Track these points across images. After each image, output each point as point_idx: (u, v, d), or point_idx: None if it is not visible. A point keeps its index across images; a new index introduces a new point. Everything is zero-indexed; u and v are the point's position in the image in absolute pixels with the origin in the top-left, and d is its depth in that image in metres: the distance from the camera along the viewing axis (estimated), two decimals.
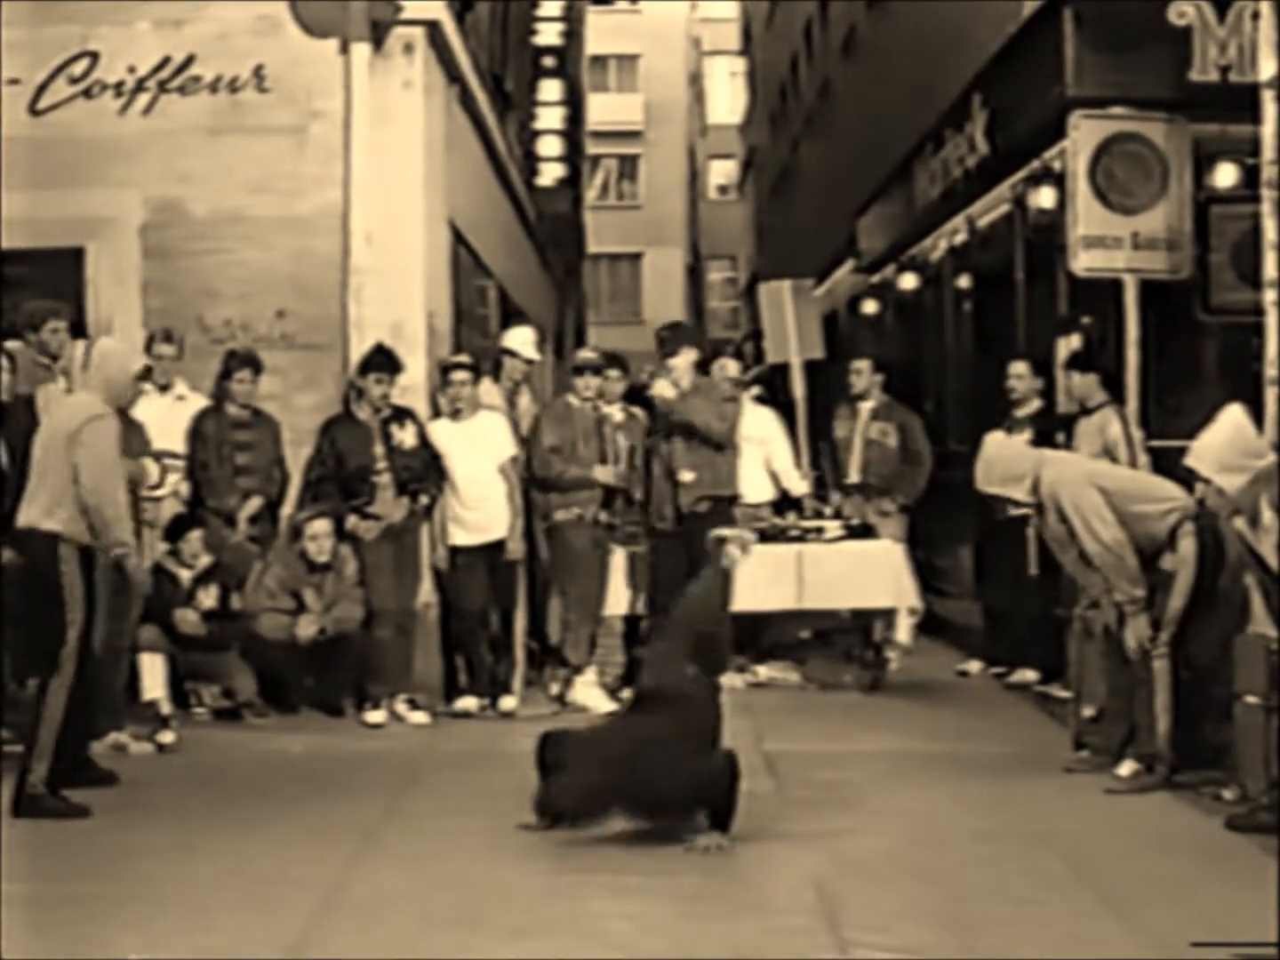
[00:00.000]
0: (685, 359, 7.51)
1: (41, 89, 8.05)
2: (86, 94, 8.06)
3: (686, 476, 7.47)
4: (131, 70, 8.09)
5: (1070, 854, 4.85)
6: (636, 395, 8.22)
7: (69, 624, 5.40)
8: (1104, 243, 7.71)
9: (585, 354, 8.37)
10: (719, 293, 39.15)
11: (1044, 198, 8.42)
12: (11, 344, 6.75)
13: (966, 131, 10.38)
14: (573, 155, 19.59)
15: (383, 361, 7.29)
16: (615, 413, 8.05)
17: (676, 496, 7.56)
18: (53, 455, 5.50)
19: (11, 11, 7.92)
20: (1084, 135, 7.74)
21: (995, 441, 6.11)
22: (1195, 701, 5.65)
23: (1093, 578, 5.69)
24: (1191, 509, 5.58)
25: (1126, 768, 5.67)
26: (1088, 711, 6.06)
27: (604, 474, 7.55)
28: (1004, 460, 5.91)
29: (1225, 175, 7.82)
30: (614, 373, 8.14)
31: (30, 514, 5.50)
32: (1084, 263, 7.76)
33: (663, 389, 7.43)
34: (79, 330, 7.53)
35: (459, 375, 7.46)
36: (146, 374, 5.90)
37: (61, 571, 5.40)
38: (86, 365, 5.89)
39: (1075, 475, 5.70)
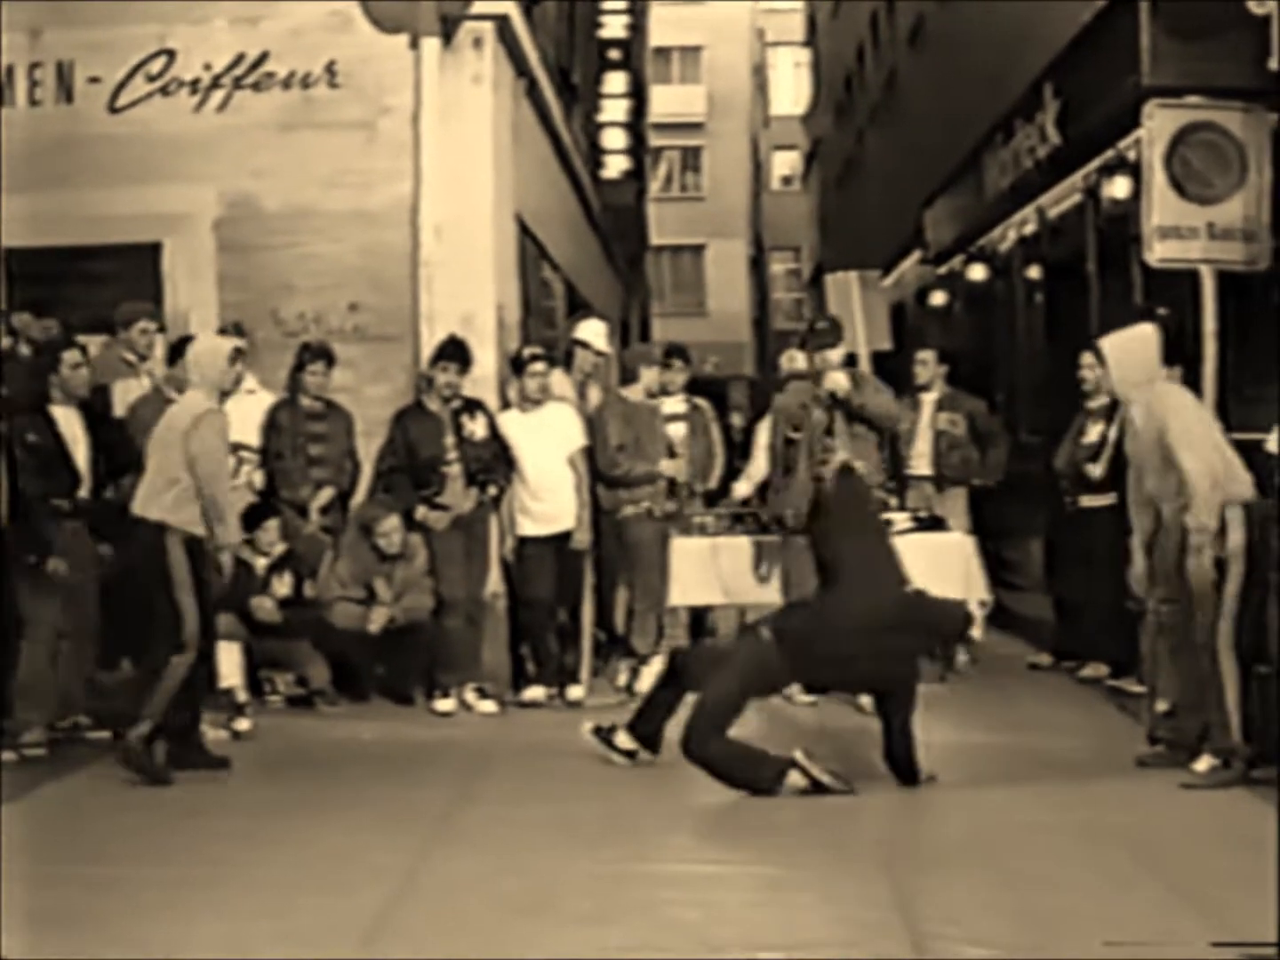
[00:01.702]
0: (839, 353, 7.42)
1: (120, 87, 8.17)
2: (164, 91, 8.17)
3: (859, 467, 7.25)
4: (207, 67, 8.19)
5: (1145, 848, 4.82)
6: (698, 387, 8.25)
7: (183, 608, 5.73)
8: (1179, 233, 7.61)
9: (643, 348, 8.43)
10: (782, 284, 38.99)
11: (1118, 188, 8.33)
12: (94, 338, 6.90)
13: (1038, 121, 10.29)
14: (636, 147, 19.60)
15: (452, 351, 7.36)
16: (678, 404, 8.07)
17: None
18: (166, 450, 5.86)
19: (93, 11, 8.06)
20: (1159, 124, 7.64)
21: (1146, 333, 5.95)
22: (1274, 696, 5.58)
23: (1155, 508, 5.63)
24: (1246, 497, 5.56)
25: (1203, 763, 5.61)
26: (1162, 706, 6.00)
27: (671, 467, 7.63)
28: (1141, 354, 5.81)
29: None
30: (677, 363, 8.17)
31: (140, 504, 5.87)
32: (1159, 253, 7.67)
33: (839, 381, 7.23)
34: (160, 327, 7.68)
35: (537, 366, 7.52)
36: (238, 355, 6.12)
37: (170, 559, 5.74)
38: (172, 363, 6.27)
39: (1196, 403, 5.70)
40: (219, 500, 5.82)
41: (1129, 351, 5.82)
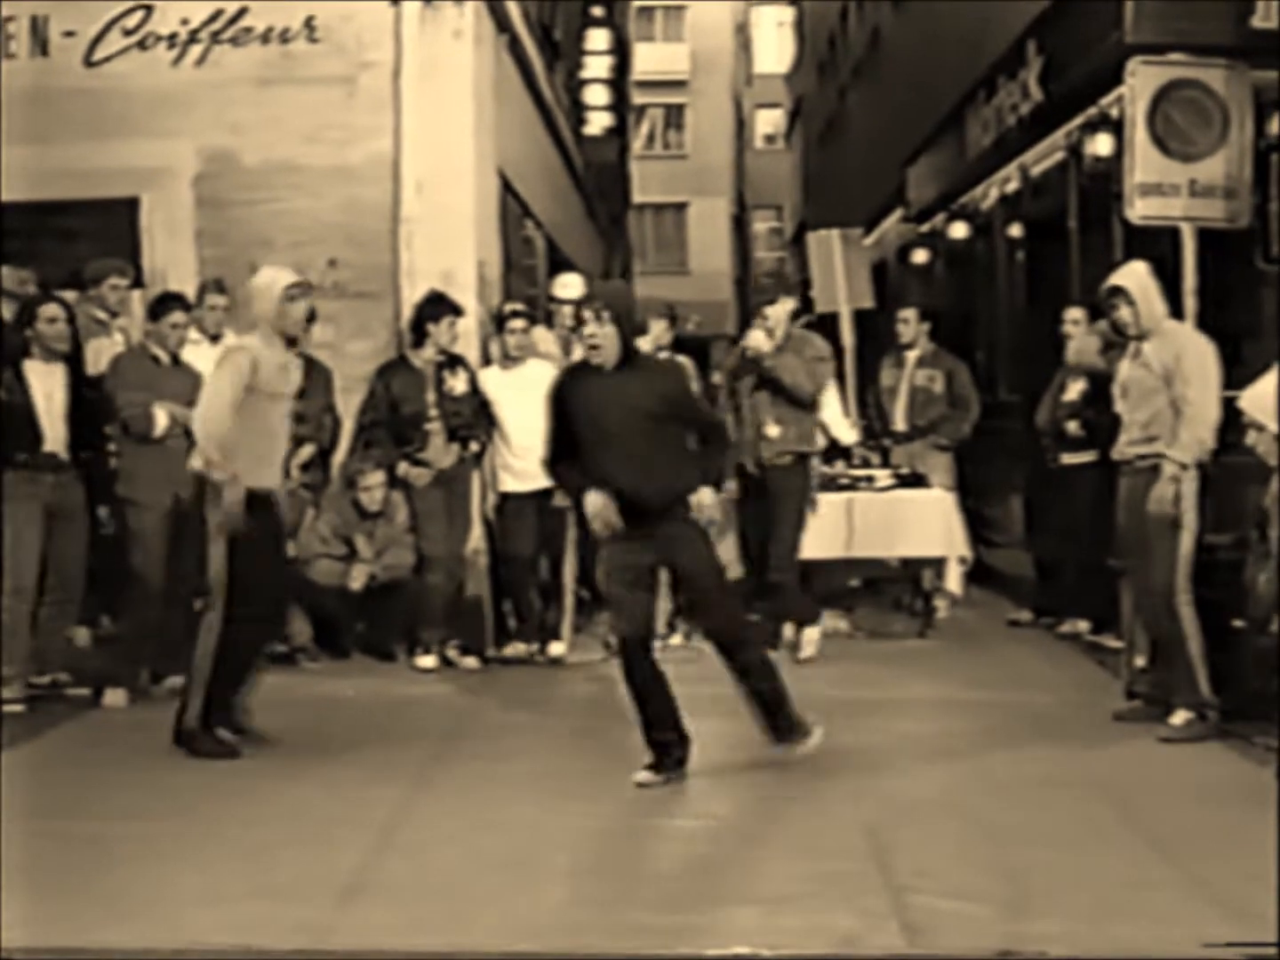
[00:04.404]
0: (783, 308, 7.27)
1: (96, 41, 8.08)
2: (140, 45, 8.08)
3: (772, 431, 7.21)
4: (184, 22, 8.09)
5: (1121, 802, 4.86)
6: (681, 345, 8.22)
7: (211, 556, 5.47)
8: (1161, 190, 7.59)
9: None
10: (764, 243, 38.88)
11: (1100, 144, 8.32)
12: (68, 295, 6.85)
13: (1020, 78, 10.26)
14: (619, 104, 19.45)
15: (450, 306, 7.33)
16: None
17: (758, 448, 7.28)
18: None
19: None
20: (1142, 81, 7.60)
21: (1146, 268, 5.96)
22: (1248, 653, 5.63)
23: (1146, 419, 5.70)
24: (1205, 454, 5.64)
25: (1179, 716, 5.66)
26: (1140, 661, 6.05)
27: None
28: (1156, 288, 5.87)
29: None
30: (662, 322, 8.13)
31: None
32: (1140, 210, 7.66)
33: (758, 340, 7.14)
34: (138, 282, 7.62)
35: (517, 323, 7.49)
36: (301, 290, 5.72)
37: (206, 508, 5.50)
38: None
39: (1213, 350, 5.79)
40: (200, 425, 5.52)
41: (1148, 285, 5.83)
